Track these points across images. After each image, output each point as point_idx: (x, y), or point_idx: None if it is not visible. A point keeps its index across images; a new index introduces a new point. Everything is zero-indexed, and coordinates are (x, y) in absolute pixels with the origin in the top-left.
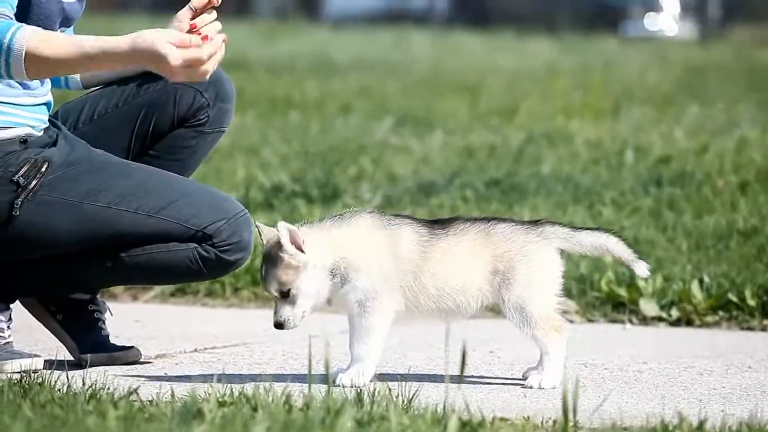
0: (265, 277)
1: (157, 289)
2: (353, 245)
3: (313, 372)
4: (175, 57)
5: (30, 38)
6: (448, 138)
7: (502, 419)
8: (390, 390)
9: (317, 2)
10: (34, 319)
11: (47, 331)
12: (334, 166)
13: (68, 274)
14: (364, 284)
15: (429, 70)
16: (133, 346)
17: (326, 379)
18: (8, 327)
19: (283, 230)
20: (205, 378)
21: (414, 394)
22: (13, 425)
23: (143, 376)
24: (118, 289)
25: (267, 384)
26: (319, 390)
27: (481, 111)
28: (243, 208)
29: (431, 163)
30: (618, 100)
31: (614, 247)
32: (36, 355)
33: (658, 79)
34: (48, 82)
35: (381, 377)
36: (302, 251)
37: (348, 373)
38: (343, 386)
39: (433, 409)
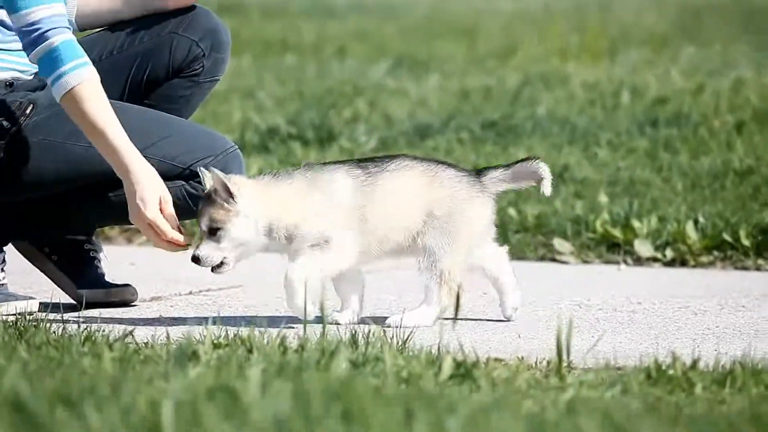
0: (199, 211)
1: None
2: (291, 206)
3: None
4: (151, 215)
5: (83, 83)
6: (444, 80)
7: (496, 359)
8: (384, 331)
9: None
10: (29, 262)
11: (42, 274)
12: (329, 108)
13: (59, 214)
14: (312, 233)
15: (427, 13)
16: (129, 284)
17: (321, 320)
18: (2, 269)
19: (214, 176)
20: (200, 320)
21: (408, 336)
22: (9, 367)
23: (138, 319)
24: (113, 232)
25: (262, 326)
26: (314, 332)
27: (478, 53)
28: (232, 144)
29: (427, 106)
30: (614, 42)
31: (544, 169)
32: (31, 297)
33: (655, 20)
34: None
35: (376, 319)
36: (233, 199)
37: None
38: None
39: (428, 350)
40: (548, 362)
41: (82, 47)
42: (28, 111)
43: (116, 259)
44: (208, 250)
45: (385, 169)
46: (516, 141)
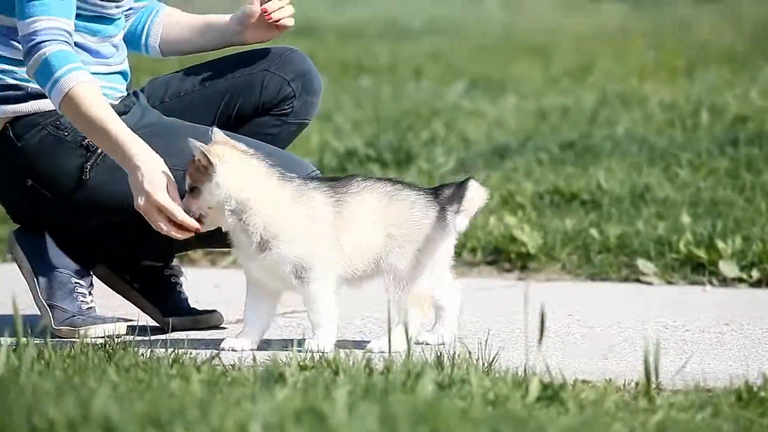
0: (185, 169)
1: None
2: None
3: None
4: (159, 198)
5: (78, 84)
6: (520, 101)
7: (583, 382)
8: (470, 353)
9: None
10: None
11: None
12: (406, 130)
13: (143, 237)
14: (289, 253)
15: (501, 33)
16: (215, 310)
17: (406, 342)
18: (90, 293)
19: (193, 146)
20: (286, 342)
21: (494, 357)
22: (99, 389)
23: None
24: (196, 255)
25: (347, 348)
26: (399, 354)
27: (554, 73)
28: (314, 168)
29: (504, 126)
30: (692, 61)
31: (474, 188)
32: (119, 319)
33: (732, 39)
34: (123, 51)
35: (461, 341)
36: (210, 162)
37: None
38: (315, 351)
39: (514, 372)
40: (636, 384)
41: (173, 80)
42: None
43: (200, 282)
44: (188, 202)
45: (348, 191)
46: (595, 161)
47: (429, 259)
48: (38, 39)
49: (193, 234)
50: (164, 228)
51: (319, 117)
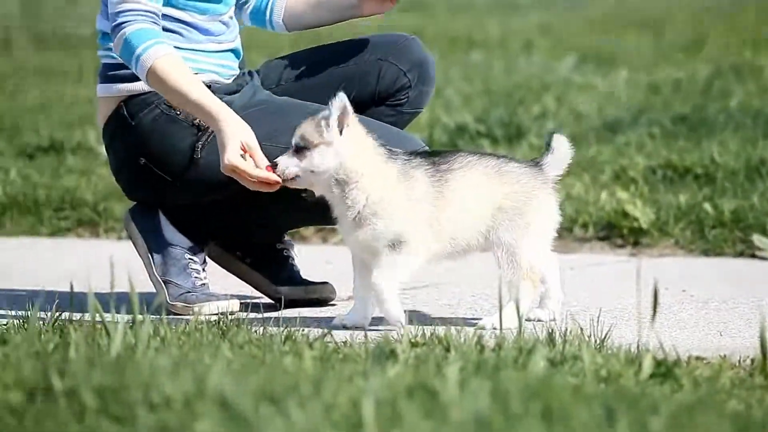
0: (298, 125)
1: None
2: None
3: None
4: (231, 158)
5: (159, 58)
6: (632, 74)
7: (697, 358)
8: (582, 330)
9: None
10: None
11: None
12: (517, 105)
13: (253, 212)
14: (386, 231)
15: (611, 6)
16: (327, 282)
17: (518, 318)
18: (203, 269)
19: (338, 104)
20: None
21: (606, 334)
22: (214, 365)
23: (337, 317)
24: (308, 232)
25: (458, 325)
26: (510, 330)
27: (666, 46)
28: (423, 144)
29: (616, 101)
30: None
31: (561, 140)
32: (232, 297)
33: None
34: (234, 29)
35: (572, 317)
36: (338, 131)
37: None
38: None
39: (627, 349)
40: (752, 360)
41: (290, 63)
42: None
43: (312, 258)
44: (286, 161)
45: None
46: (708, 135)
47: (538, 231)
48: (120, 20)
49: (278, 187)
50: (247, 185)
51: None
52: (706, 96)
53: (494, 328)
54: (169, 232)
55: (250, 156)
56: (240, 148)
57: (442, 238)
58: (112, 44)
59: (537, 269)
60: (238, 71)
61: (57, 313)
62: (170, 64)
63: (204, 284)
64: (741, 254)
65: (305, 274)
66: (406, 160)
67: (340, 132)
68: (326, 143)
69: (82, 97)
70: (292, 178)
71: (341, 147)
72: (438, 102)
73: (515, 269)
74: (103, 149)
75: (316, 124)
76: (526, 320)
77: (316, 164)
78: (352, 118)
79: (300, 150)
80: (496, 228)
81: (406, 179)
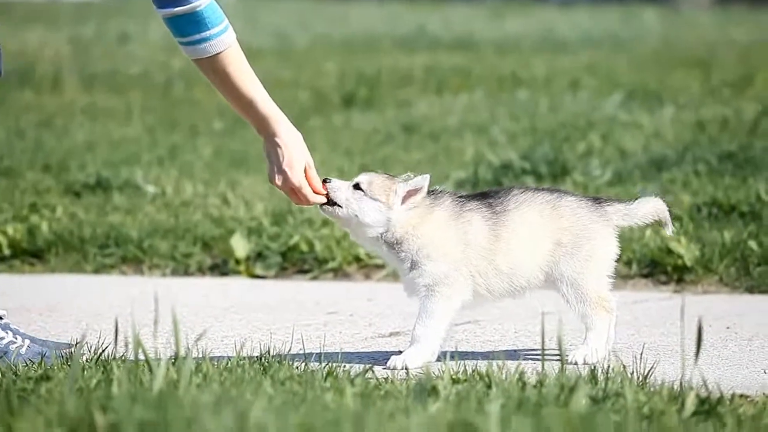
0: (368, 171)
1: (389, 267)
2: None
3: (546, 349)
4: (299, 180)
5: (228, 47)
6: (678, 112)
7: (741, 396)
8: (624, 367)
9: None
10: None
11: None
12: (562, 142)
13: None
14: (435, 270)
15: (658, 45)
16: None
17: (559, 356)
18: None
19: (417, 182)
20: (438, 355)
21: (649, 371)
22: (256, 401)
23: (378, 352)
24: (351, 268)
25: (500, 361)
26: (552, 367)
27: (713, 84)
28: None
29: (662, 138)
30: None
31: (662, 208)
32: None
33: None
34: None
35: (615, 354)
36: (401, 200)
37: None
38: (399, 368)
39: (670, 386)
40: None
41: None
42: None
43: (354, 295)
44: (341, 187)
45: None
46: (755, 172)
47: (599, 262)
48: None
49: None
50: (296, 202)
51: (475, 129)
52: (752, 133)
53: (585, 363)
54: None
55: (307, 174)
56: (303, 169)
57: (501, 280)
58: None
59: (606, 296)
60: None
61: (100, 350)
62: (236, 59)
63: None
64: None
65: (348, 312)
66: (456, 200)
67: (402, 202)
68: (386, 205)
69: (129, 136)
70: (334, 204)
71: (397, 216)
72: (483, 139)
73: (584, 301)
74: (149, 187)
75: (388, 185)
76: (567, 363)
77: (365, 212)
78: (422, 200)
79: (359, 187)
80: (556, 263)
81: (461, 221)
